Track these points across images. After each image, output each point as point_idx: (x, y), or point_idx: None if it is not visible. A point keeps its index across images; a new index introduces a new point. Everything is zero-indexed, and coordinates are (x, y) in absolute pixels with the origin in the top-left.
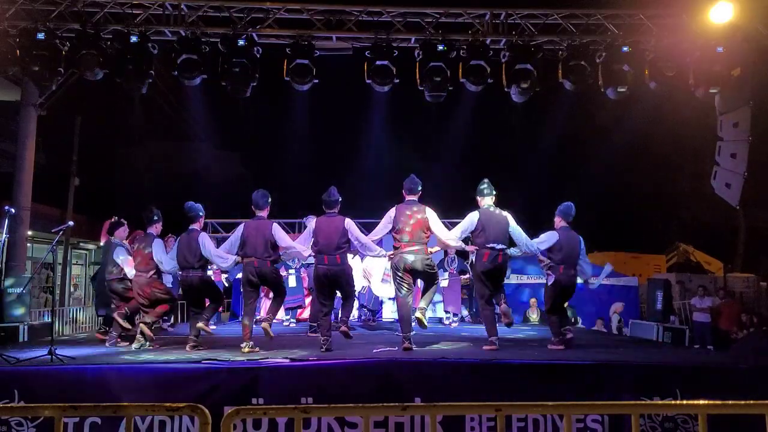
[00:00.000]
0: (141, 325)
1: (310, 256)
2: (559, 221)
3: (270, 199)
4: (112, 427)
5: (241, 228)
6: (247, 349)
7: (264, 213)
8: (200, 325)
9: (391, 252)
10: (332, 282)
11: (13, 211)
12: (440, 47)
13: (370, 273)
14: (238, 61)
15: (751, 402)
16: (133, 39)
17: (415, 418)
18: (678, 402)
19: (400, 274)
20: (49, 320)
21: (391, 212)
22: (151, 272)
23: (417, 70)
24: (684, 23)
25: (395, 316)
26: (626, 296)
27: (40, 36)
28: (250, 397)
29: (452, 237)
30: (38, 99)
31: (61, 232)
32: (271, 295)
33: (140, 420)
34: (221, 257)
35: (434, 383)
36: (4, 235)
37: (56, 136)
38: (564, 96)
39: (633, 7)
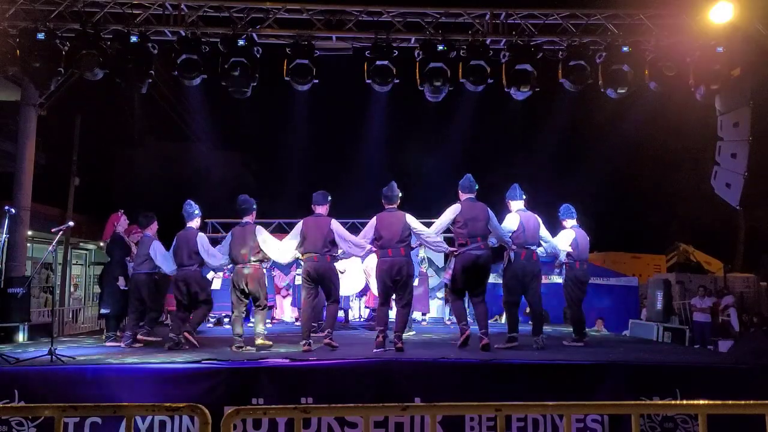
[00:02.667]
0: (185, 334)
1: (369, 251)
2: (569, 222)
3: (330, 198)
4: (113, 427)
5: (300, 224)
6: (305, 348)
7: (323, 210)
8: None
9: (455, 249)
10: (397, 273)
11: (13, 211)
12: (440, 47)
13: (370, 273)
14: (238, 61)
15: (751, 402)
16: (133, 39)
17: (415, 418)
18: (678, 402)
19: (463, 271)
20: (49, 320)
21: (455, 208)
22: (194, 266)
23: (417, 70)
24: (684, 23)
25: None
26: (626, 296)
27: (40, 36)
28: (250, 397)
29: (506, 233)
30: (38, 99)
31: (61, 232)
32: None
33: (140, 420)
34: (279, 250)
35: (434, 383)
36: (4, 235)
37: (56, 136)
38: (564, 96)
39: (633, 7)
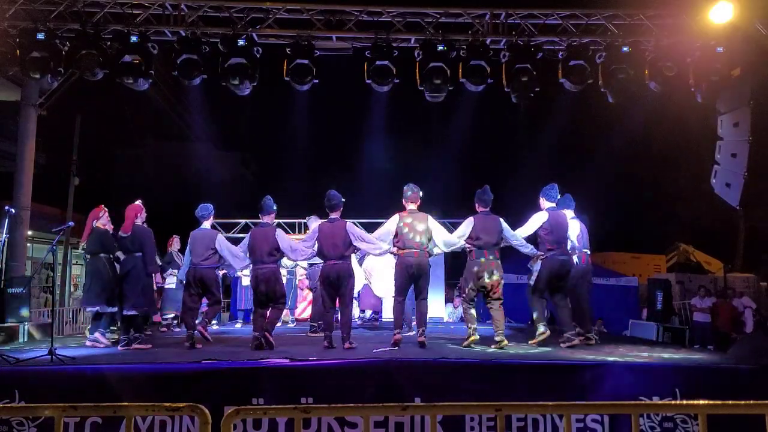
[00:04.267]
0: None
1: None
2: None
3: (422, 193)
4: (113, 427)
5: (396, 219)
6: (398, 336)
7: (416, 205)
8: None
9: (542, 254)
10: (489, 275)
11: (13, 211)
12: (440, 47)
13: (371, 273)
14: (238, 61)
15: (751, 402)
16: (133, 39)
17: (415, 418)
18: (678, 402)
19: (549, 274)
20: (49, 320)
21: (542, 217)
22: (274, 264)
23: (417, 70)
24: (684, 23)
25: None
26: (626, 296)
27: (40, 36)
28: (250, 397)
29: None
30: (38, 99)
31: (61, 232)
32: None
33: (140, 420)
34: (373, 245)
35: (434, 383)
36: (4, 235)
37: (56, 136)
38: (564, 96)
39: (633, 7)
